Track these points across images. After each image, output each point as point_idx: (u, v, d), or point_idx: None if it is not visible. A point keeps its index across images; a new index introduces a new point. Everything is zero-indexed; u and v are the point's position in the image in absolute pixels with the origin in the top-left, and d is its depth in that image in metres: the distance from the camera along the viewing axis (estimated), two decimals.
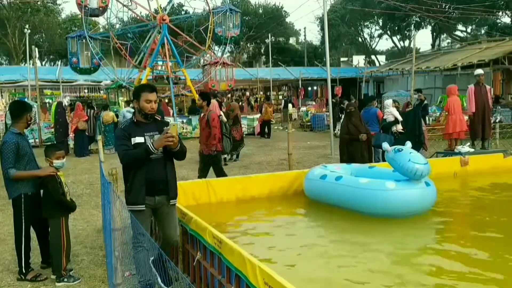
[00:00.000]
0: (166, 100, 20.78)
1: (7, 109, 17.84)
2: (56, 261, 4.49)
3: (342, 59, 44.83)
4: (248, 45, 47.07)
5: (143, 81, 20.60)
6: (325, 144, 15.13)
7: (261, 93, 32.59)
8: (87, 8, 19.36)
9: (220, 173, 7.71)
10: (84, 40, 20.03)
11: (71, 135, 14.64)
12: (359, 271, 4.08)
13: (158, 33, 21.46)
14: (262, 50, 49.20)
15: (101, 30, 21.87)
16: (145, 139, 3.75)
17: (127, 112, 15.47)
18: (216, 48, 23.99)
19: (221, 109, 12.06)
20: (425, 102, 14.60)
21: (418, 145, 9.03)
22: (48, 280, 4.52)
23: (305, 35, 49.29)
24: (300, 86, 30.87)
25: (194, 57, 24.64)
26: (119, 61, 22.70)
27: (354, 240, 4.93)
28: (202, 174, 7.72)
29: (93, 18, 21.73)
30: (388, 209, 5.33)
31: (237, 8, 26.01)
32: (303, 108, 26.38)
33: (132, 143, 3.73)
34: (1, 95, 23.59)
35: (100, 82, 24.74)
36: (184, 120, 19.43)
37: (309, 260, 4.41)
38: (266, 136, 18.80)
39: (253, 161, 12.30)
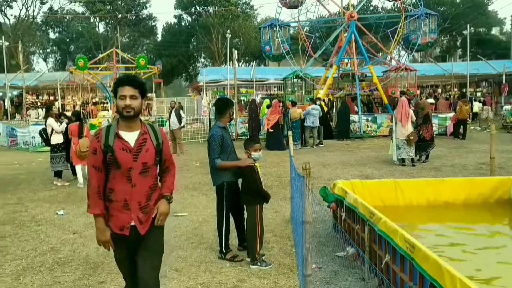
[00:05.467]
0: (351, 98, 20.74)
1: (210, 105, 20.23)
2: (251, 246, 4.87)
3: None
4: (442, 38, 43.48)
5: (329, 79, 20.98)
6: None
7: (456, 89, 29.78)
8: (288, 0, 21.60)
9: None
10: (274, 29, 21.72)
11: (269, 130, 15.28)
12: None
13: (344, 30, 21.58)
14: (458, 43, 44.96)
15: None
16: None
17: (312, 109, 15.92)
18: (402, 52, 23.07)
19: (410, 107, 11.39)
20: None
21: None
22: (243, 262, 4.94)
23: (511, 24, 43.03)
24: (503, 82, 27.21)
25: (375, 59, 24.08)
26: (307, 61, 23.59)
27: None
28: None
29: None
30: None
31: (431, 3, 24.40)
32: (507, 107, 23.15)
33: None
34: (206, 93, 26.82)
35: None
36: (369, 118, 19.15)
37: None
38: (461, 137, 17.11)
39: (445, 163, 11.35)
